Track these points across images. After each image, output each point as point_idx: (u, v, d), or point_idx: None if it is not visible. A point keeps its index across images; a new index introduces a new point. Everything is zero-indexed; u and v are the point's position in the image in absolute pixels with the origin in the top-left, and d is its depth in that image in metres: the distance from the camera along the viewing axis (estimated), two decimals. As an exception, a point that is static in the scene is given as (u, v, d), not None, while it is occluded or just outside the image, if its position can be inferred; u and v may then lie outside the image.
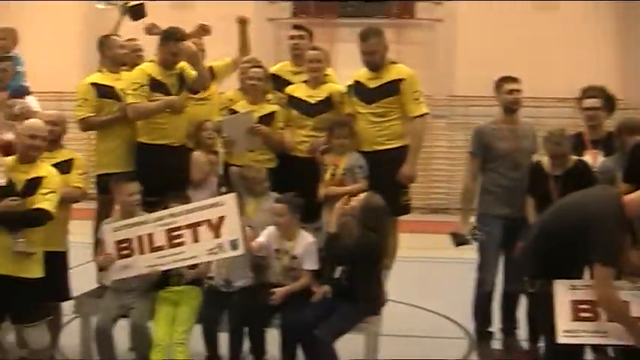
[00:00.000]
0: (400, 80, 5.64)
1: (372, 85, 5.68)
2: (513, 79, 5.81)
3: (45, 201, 4.61)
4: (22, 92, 6.27)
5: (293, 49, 6.23)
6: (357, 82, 5.78)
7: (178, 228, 5.07)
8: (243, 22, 6.48)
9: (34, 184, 4.65)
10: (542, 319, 4.26)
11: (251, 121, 5.80)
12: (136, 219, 5.18)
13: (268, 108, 5.96)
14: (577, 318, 4.02)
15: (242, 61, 6.27)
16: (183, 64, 5.77)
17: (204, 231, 5.03)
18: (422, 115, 5.70)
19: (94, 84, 5.78)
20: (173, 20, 6.15)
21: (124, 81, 5.77)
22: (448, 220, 13.51)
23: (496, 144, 5.72)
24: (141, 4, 5.70)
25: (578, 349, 4.15)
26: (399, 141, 5.68)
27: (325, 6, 15.09)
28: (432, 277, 8.85)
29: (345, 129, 5.60)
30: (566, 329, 4.00)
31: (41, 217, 4.62)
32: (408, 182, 5.70)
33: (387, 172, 5.55)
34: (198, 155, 5.71)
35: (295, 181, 5.62)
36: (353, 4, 15.06)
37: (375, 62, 5.69)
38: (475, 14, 14.82)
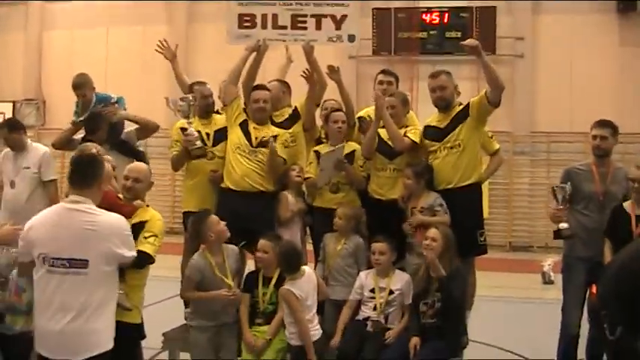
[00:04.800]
0: (466, 106, 5.70)
1: (443, 125, 5.74)
2: (601, 124, 5.70)
3: (147, 244, 4.50)
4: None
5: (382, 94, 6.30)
6: (428, 127, 5.87)
7: (304, 15, 6.09)
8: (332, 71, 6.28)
9: (137, 228, 4.53)
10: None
11: (341, 154, 5.94)
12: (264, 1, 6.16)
13: (350, 146, 6.09)
14: None
15: (324, 103, 6.43)
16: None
17: (327, 22, 6.06)
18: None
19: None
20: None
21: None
22: (529, 258, 13.44)
23: (583, 185, 5.66)
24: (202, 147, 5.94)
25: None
26: (471, 178, 5.67)
27: (405, 43, 15.20)
28: (513, 318, 8.70)
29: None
30: None
31: (143, 259, 4.42)
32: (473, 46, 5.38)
33: (462, 211, 5.55)
34: (285, 194, 5.87)
35: (379, 223, 5.72)
36: (433, 40, 15.09)
37: (445, 98, 5.74)
38: (556, 50, 14.70)
